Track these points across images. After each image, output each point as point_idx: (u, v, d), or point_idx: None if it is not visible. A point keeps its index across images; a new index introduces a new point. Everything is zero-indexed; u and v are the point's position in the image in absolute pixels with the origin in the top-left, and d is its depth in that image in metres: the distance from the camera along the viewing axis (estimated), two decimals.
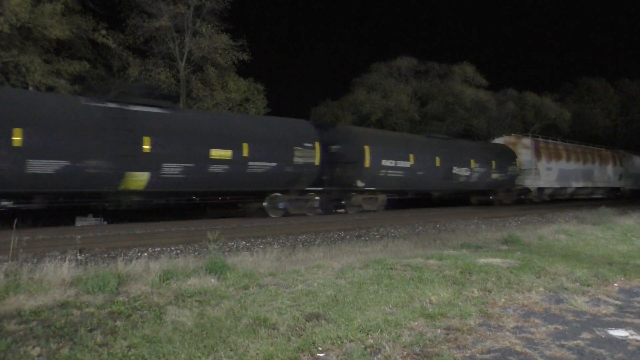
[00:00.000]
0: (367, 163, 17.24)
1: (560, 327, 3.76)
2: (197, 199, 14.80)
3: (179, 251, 8.20)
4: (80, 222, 12.95)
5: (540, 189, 26.29)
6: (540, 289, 4.96)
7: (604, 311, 4.24)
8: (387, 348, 3.18)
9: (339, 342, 3.29)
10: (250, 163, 14.03)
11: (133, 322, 3.62)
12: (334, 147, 17.24)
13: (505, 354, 3.18)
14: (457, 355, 3.11)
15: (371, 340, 3.34)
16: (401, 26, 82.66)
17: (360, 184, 17.30)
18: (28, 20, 15.44)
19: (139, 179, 12.10)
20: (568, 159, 28.30)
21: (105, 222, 13.19)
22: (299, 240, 9.96)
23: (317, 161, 15.84)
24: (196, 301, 4.23)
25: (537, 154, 25.77)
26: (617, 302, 4.58)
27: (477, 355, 3.15)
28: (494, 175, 23.51)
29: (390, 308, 4.13)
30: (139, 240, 9.41)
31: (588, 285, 5.16)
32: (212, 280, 4.96)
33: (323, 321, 3.70)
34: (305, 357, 3.06)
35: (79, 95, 14.93)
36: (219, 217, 15.65)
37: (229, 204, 16.13)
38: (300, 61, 67.02)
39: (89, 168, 11.22)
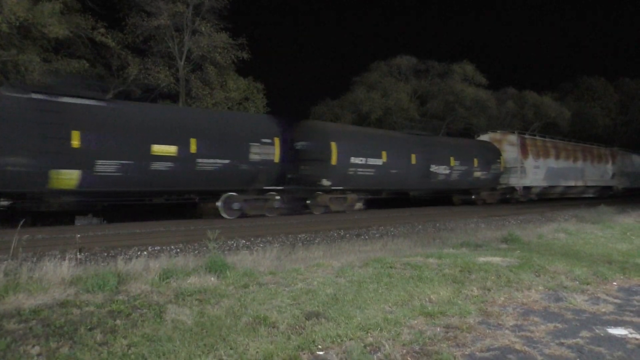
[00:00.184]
0: (333, 160, 16.31)
1: (560, 326, 3.77)
2: (149, 200, 13.68)
3: (178, 250, 8.21)
4: (80, 222, 12.95)
5: (527, 188, 25.22)
6: (540, 288, 4.96)
7: (603, 310, 4.25)
8: (387, 346, 3.19)
9: (339, 340, 3.29)
10: (199, 160, 13.05)
11: (133, 321, 3.62)
12: (300, 144, 16.31)
13: (505, 352, 3.18)
14: (456, 354, 3.12)
15: (371, 339, 3.34)
16: (401, 25, 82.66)
17: (326, 182, 16.36)
18: (27, 18, 15.41)
19: (68, 178, 11.15)
20: (557, 157, 27.29)
21: (105, 221, 13.19)
22: (298, 239, 9.97)
23: (276, 158, 14.80)
24: (196, 300, 4.23)
25: (524, 151, 24.75)
26: (616, 300, 4.59)
27: (477, 353, 3.16)
28: (476, 174, 22.45)
29: (389, 306, 4.14)
30: (139, 239, 9.41)
31: (587, 284, 5.17)
32: (212, 279, 4.97)
33: (323, 320, 3.70)
34: (305, 355, 3.07)
35: None
36: (172, 218, 14.53)
37: (186, 204, 14.94)
38: (299, 60, 66.96)
39: (7, 166, 10.36)
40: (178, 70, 22.18)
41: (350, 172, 16.86)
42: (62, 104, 11.34)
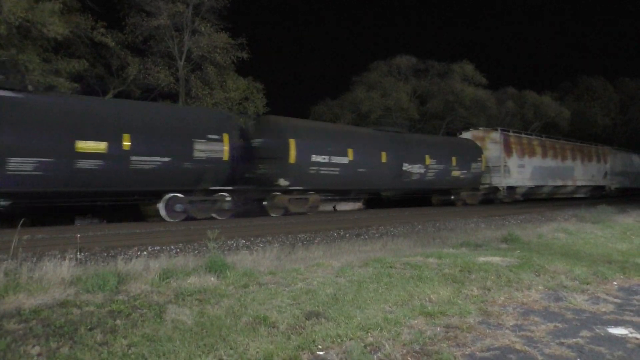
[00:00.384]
0: (292, 159, 15.19)
1: (560, 325, 3.77)
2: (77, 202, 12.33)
3: (178, 250, 8.21)
4: (79, 222, 12.94)
5: (511, 188, 23.99)
6: (540, 287, 4.96)
7: (603, 309, 4.25)
8: (387, 346, 3.19)
9: (339, 340, 3.29)
10: (133, 158, 11.98)
11: (133, 321, 3.62)
12: (257, 141, 15.38)
13: (505, 352, 3.18)
14: (456, 354, 3.11)
15: (371, 339, 3.34)
16: (401, 25, 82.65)
17: (283, 182, 15.27)
18: (26, 18, 15.40)
19: None
20: (544, 155, 26.04)
21: (105, 221, 13.19)
22: (298, 239, 9.97)
23: (226, 156, 13.63)
24: (196, 300, 4.23)
25: (507, 149, 23.56)
26: (616, 300, 4.59)
27: (477, 353, 3.16)
28: (455, 173, 21.28)
29: (389, 306, 4.14)
30: (139, 239, 9.41)
31: (587, 284, 5.17)
32: (212, 278, 4.97)
33: (323, 319, 3.70)
34: (305, 355, 3.07)
35: None
36: (115, 221, 13.46)
37: (125, 206, 13.73)
38: (299, 60, 67.01)
39: None
40: (178, 70, 22.18)
41: (312, 171, 15.82)
42: None
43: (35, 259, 6.34)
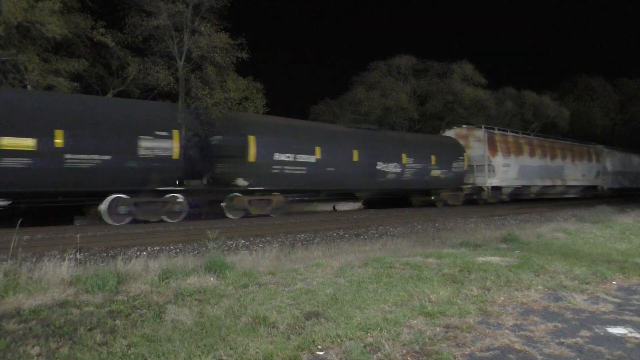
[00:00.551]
0: (251, 157, 14.29)
1: (559, 325, 3.77)
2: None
3: (178, 250, 8.21)
4: (79, 222, 12.92)
5: (496, 188, 23.05)
6: (539, 287, 4.97)
7: (602, 309, 4.25)
8: (387, 346, 3.19)
9: (339, 340, 3.29)
10: (68, 156, 11.08)
11: (132, 321, 3.62)
12: (216, 138, 14.37)
13: (505, 352, 3.18)
14: (456, 353, 3.12)
15: (370, 339, 3.34)
16: (400, 25, 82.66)
17: (242, 182, 14.35)
18: (25, 18, 15.39)
19: None
20: (532, 154, 25.06)
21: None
22: (298, 239, 9.97)
23: (175, 154, 12.73)
24: (195, 300, 4.23)
25: (492, 147, 22.63)
26: (615, 299, 4.59)
27: (477, 353, 3.16)
28: (434, 172, 20.28)
29: (389, 306, 4.14)
30: (139, 239, 9.41)
31: (587, 283, 5.18)
32: (212, 279, 4.97)
33: (322, 320, 3.70)
34: (305, 355, 3.07)
35: None
36: (46, 225, 12.02)
37: (63, 208, 12.74)
38: (299, 60, 66.99)
39: None
40: (178, 70, 22.16)
41: (275, 171, 14.91)
42: None
43: (34, 259, 6.34)
